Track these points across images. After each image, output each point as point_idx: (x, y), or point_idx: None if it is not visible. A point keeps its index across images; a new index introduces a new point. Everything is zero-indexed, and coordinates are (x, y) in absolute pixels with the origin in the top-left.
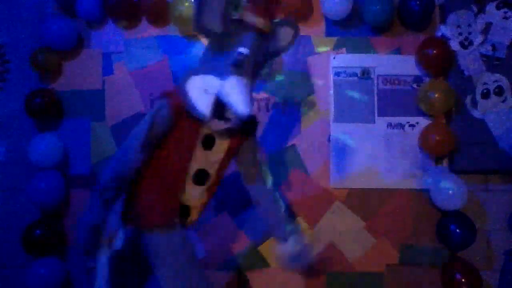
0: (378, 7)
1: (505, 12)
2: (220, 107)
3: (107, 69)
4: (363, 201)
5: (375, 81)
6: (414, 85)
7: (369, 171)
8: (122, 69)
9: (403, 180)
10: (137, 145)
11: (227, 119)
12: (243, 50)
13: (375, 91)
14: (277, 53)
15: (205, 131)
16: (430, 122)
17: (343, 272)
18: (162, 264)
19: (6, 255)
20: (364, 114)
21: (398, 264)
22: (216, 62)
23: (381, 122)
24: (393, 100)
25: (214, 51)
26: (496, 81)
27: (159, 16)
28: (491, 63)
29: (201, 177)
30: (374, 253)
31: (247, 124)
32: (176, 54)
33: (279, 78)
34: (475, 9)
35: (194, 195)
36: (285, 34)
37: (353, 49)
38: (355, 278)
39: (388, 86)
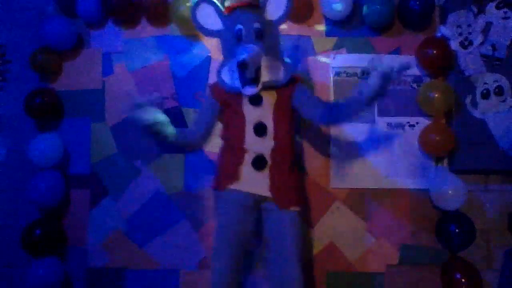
0: (378, 7)
1: (505, 12)
2: (240, 69)
3: (107, 69)
4: (363, 201)
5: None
6: (414, 85)
7: (369, 171)
8: (122, 69)
9: (403, 180)
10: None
11: (255, 83)
12: (238, 26)
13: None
14: (278, 21)
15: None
16: (430, 122)
17: (343, 272)
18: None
19: (6, 255)
20: (364, 114)
21: (398, 264)
22: (229, 50)
23: (381, 122)
24: (393, 100)
25: (226, 44)
26: (496, 81)
27: (159, 16)
28: (491, 63)
29: (260, 129)
30: (374, 253)
31: (287, 83)
32: (176, 54)
33: None
34: (475, 9)
35: (260, 145)
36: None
37: (353, 49)
38: (355, 278)
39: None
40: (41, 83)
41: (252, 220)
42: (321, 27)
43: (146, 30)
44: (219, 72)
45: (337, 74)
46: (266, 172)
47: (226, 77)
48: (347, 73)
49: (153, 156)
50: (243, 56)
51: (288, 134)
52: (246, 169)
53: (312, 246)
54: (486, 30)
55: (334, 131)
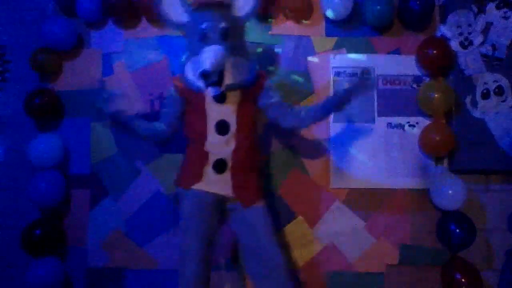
0: (378, 7)
1: (505, 12)
2: (202, 76)
3: (107, 69)
4: (363, 201)
5: (375, 81)
6: (414, 85)
7: (369, 171)
8: (122, 69)
9: (403, 180)
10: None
11: (219, 84)
12: (204, 25)
13: (375, 91)
14: (245, 18)
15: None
16: (430, 122)
17: (343, 272)
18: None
19: (6, 255)
20: (364, 114)
21: (398, 264)
22: (193, 46)
23: (381, 122)
24: (393, 100)
25: (190, 39)
26: (496, 81)
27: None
28: (491, 63)
29: (222, 127)
30: (374, 253)
31: (252, 82)
32: (176, 54)
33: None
34: (475, 9)
35: (221, 145)
36: None
37: (353, 49)
38: (355, 278)
39: (388, 86)
40: (41, 83)
41: (216, 218)
42: (321, 27)
43: (146, 30)
44: (182, 68)
45: (337, 74)
46: (228, 174)
47: (189, 73)
48: (347, 73)
49: (153, 156)
50: (205, 66)
51: (250, 134)
52: (208, 170)
53: (312, 246)
54: (486, 30)
55: (334, 131)
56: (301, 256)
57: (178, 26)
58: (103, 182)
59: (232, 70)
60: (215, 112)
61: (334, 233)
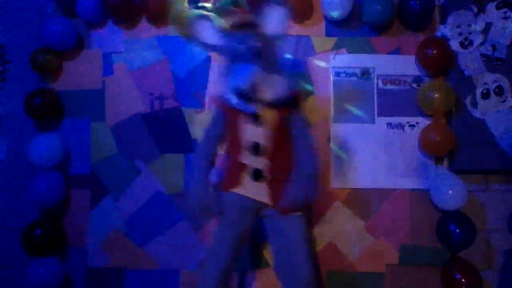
0: (378, 7)
1: (505, 12)
2: (243, 94)
3: (107, 69)
4: (363, 201)
5: (375, 81)
6: (414, 85)
7: (369, 171)
8: (122, 69)
9: (403, 180)
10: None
11: (256, 101)
12: (236, 45)
13: (375, 91)
14: (276, 36)
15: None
16: (430, 122)
17: (343, 272)
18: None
19: (6, 255)
20: (364, 114)
21: (398, 264)
22: (227, 67)
23: (381, 122)
24: (393, 100)
25: (225, 60)
26: (496, 81)
27: (159, 16)
28: (491, 63)
29: (256, 148)
30: (374, 253)
31: (287, 99)
32: (176, 54)
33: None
34: (475, 9)
35: (256, 162)
36: (276, 15)
37: (353, 49)
38: (355, 278)
39: (388, 86)
40: (41, 83)
41: (251, 222)
42: (321, 27)
43: (146, 30)
44: (221, 87)
45: (337, 74)
46: (265, 183)
47: (227, 93)
48: (347, 73)
49: (153, 156)
50: (239, 84)
51: (285, 153)
52: (247, 178)
53: (315, 247)
54: (486, 30)
55: (334, 131)
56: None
57: (213, 48)
58: (103, 182)
59: (266, 87)
60: (251, 133)
61: (334, 233)
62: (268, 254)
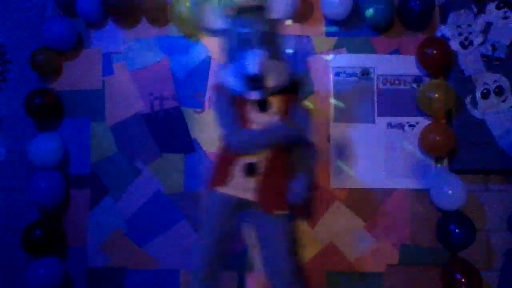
0: (378, 7)
1: (505, 12)
2: (248, 80)
3: (107, 69)
4: (363, 201)
5: (375, 81)
6: (414, 85)
7: (369, 171)
8: (122, 69)
9: (403, 180)
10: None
11: (262, 88)
12: (243, 30)
13: (375, 91)
14: (282, 20)
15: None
16: (430, 122)
17: (343, 272)
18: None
19: (6, 255)
20: (364, 114)
21: (398, 264)
22: (233, 52)
23: (381, 122)
24: (393, 100)
25: (229, 45)
26: (496, 81)
27: (159, 16)
28: (491, 63)
29: None
30: (374, 253)
31: (291, 84)
32: (176, 54)
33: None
34: (475, 9)
35: (252, 156)
36: None
37: (353, 49)
38: (355, 278)
39: (388, 86)
40: (41, 83)
41: (235, 221)
42: (321, 27)
43: (146, 30)
44: (221, 74)
45: (337, 74)
46: (256, 178)
47: (229, 80)
48: (347, 73)
49: (153, 156)
50: (253, 69)
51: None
52: (236, 173)
53: (312, 246)
54: (486, 30)
55: (334, 131)
56: (301, 256)
57: (216, 32)
58: (103, 182)
59: (272, 74)
60: (257, 120)
61: (334, 233)
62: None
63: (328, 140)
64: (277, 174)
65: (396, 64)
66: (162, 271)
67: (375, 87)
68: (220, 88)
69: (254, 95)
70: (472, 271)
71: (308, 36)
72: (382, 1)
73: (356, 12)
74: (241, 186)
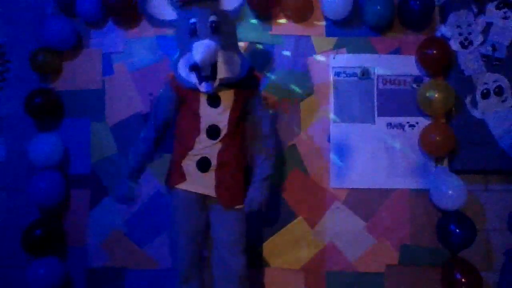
0: (378, 7)
1: (505, 12)
2: (193, 70)
3: (107, 69)
4: (363, 201)
5: (375, 81)
6: (414, 85)
7: (369, 171)
8: (122, 69)
9: (403, 180)
10: (152, 124)
11: (213, 80)
12: (192, 20)
13: (375, 91)
14: (234, 12)
15: (204, 93)
16: (430, 122)
17: (343, 272)
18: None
19: (6, 255)
20: (364, 114)
21: (398, 264)
22: (184, 43)
23: (381, 122)
24: (393, 100)
25: (181, 36)
26: (496, 81)
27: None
28: (491, 63)
29: (214, 131)
30: (374, 253)
31: (245, 80)
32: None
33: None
34: (475, 9)
35: (209, 147)
36: None
37: (353, 49)
38: (355, 278)
39: (388, 86)
40: (41, 83)
41: (203, 216)
42: (321, 27)
43: (146, 30)
44: (175, 66)
45: (337, 74)
46: (211, 173)
47: (182, 71)
48: (347, 73)
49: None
50: (196, 58)
51: (239, 138)
52: (192, 169)
53: (312, 246)
54: (486, 30)
55: (334, 131)
56: (301, 256)
57: (167, 24)
58: (103, 182)
59: (224, 65)
60: (208, 115)
61: (334, 233)
62: (267, 254)
63: (328, 140)
64: (231, 169)
65: (396, 64)
66: (162, 271)
67: (375, 87)
68: (171, 81)
69: (204, 87)
70: (472, 271)
71: (308, 36)
72: (382, 1)
73: (356, 12)
74: (199, 182)
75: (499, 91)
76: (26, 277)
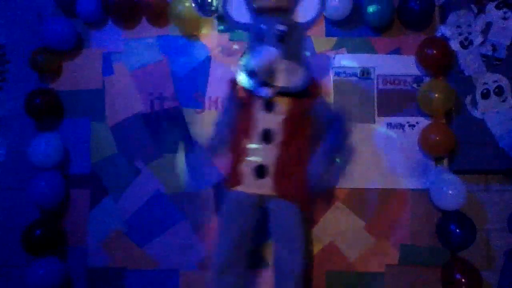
0: (378, 7)
1: (505, 12)
2: (250, 75)
3: (107, 69)
4: (363, 201)
5: (375, 81)
6: (414, 85)
7: (369, 171)
8: (122, 69)
9: (403, 180)
10: (222, 123)
11: (271, 86)
12: (262, 26)
13: (375, 91)
14: (306, 25)
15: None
16: (430, 122)
17: (343, 272)
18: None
19: (6, 255)
20: (364, 114)
21: (398, 264)
22: (251, 47)
23: (381, 122)
24: (393, 100)
25: (250, 40)
26: (496, 81)
27: (159, 16)
28: (491, 63)
29: (267, 135)
30: (374, 253)
31: (303, 91)
32: (176, 54)
33: None
34: (475, 9)
35: (263, 152)
36: (310, 3)
37: (353, 49)
38: (355, 278)
39: (388, 86)
40: (41, 83)
41: (254, 219)
42: (321, 27)
43: (146, 30)
44: (239, 67)
45: (337, 74)
46: (268, 179)
47: (241, 75)
48: (347, 73)
49: (153, 156)
50: (253, 63)
51: (297, 144)
52: (248, 175)
53: (312, 246)
54: (486, 30)
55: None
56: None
57: (241, 26)
58: (103, 182)
59: (285, 74)
60: (262, 120)
61: (334, 233)
62: (268, 254)
63: None
64: (289, 173)
65: (396, 64)
66: (162, 271)
67: (375, 87)
68: (232, 84)
69: (261, 92)
70: (472, 271)
71: (308, 36)
72: (382, 1)
73: (356, 12)
74: (256, 185)
75: (499, 91)
76: (26, 277)
